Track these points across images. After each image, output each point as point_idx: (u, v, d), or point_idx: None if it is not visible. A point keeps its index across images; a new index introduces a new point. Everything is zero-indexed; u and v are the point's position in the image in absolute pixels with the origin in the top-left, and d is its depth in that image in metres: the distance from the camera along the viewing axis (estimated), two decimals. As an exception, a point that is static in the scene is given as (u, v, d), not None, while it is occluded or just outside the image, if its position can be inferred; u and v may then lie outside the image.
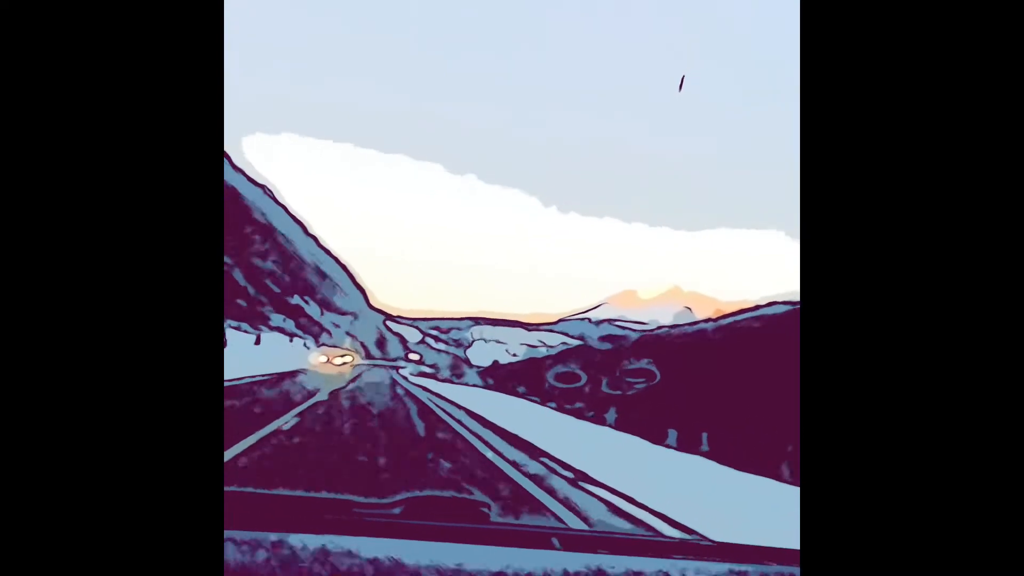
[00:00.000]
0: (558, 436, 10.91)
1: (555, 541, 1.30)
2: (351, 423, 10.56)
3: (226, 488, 1.01)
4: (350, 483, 5.82)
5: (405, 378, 32.32)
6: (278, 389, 15.71)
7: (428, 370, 49.36)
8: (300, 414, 10.58)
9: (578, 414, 17.92)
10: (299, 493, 1.42)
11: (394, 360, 75.39)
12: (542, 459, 8.61)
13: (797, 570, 1.20)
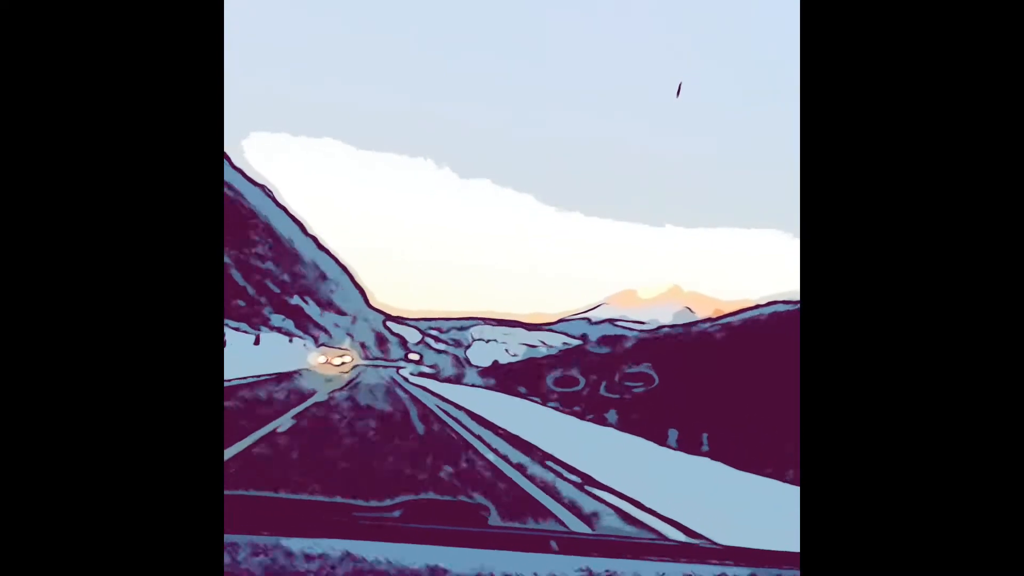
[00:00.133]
0: (558, 437, 10.91)
1: (553, 544, 1.30)
2: (350, 425, 10.55)
3: (225, 492, 1.01)
4: (349, 486, 5.81)
5: (405, 379, 32.32)
6: (276, 390, 15.69)
7: (428, 370, 49.36)
8: (297, 416, 10.56)
9: (578, 415, 17.92)
10: (298, 496, 1.42)
11: (394, 360, 75.38)
12: (542, 459, 8.60)
13: (797, 573, 1.20)
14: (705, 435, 12.68)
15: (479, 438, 10.36)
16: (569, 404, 19.93)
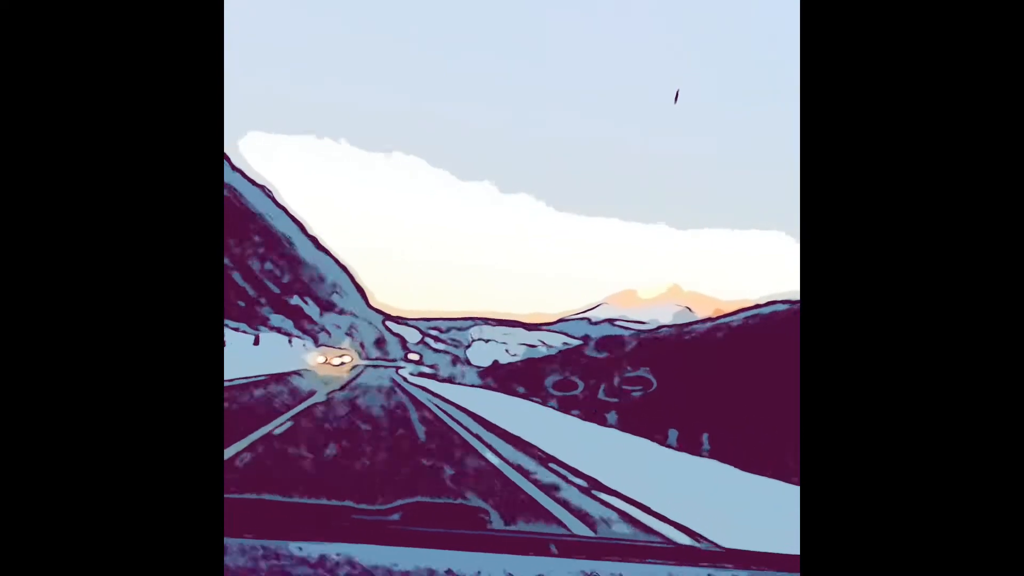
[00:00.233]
0: (558, 438, 10.91)
1: (552, 547, 1.30)
2: (348, 426, 10.53)
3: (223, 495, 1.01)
4: (348, 488, 5.80)
5: (405, 379, 32.30)
6: (275, 390, 15.68)
7: (428, 370, 49.34)
8: (295, 417, 10.54)
9: (578, 416, 17.90)
10: (296, 500, 1.41)
11: (393, 360, 75.35)
12: (541, 460, 8.60)
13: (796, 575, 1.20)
14: (705, 435, 12.69)
15: (479, 438, 10.35)
16: (567, 408, 19.93)
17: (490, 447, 9.40)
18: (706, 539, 4.68)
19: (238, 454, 6.64)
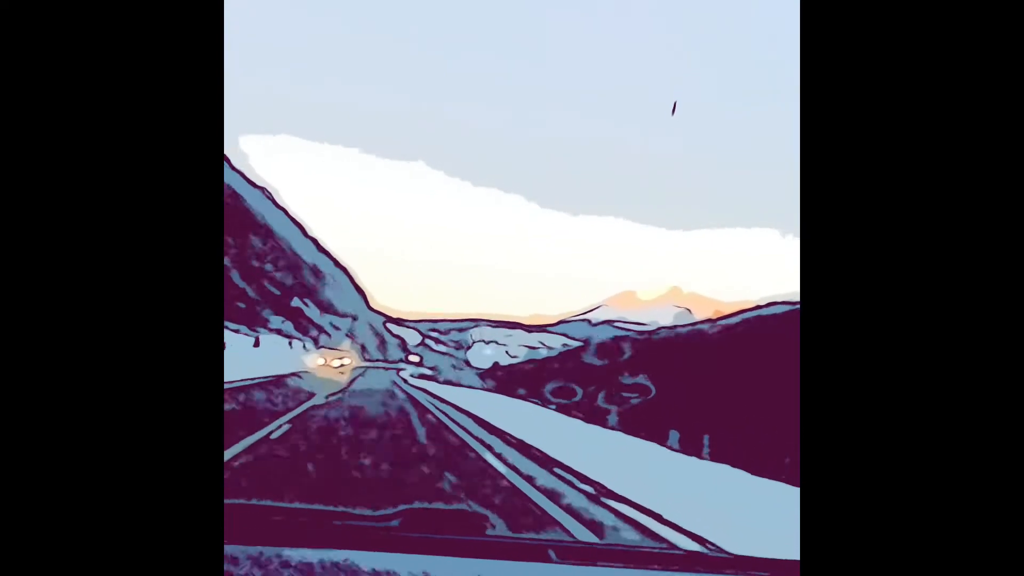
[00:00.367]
0: (558, 440, 10.90)
1: (552, 553, 1.29)
2: (348, 429, 10.50)
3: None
4: (347, 493, 5.78)
5: (405, 380, 32.28)
6: (273, 392, 15.65)
7: (428, 372, 49.32)
8: (293, 420, 10.50)
9: (580, 417, 17.89)
10: (295, 505, 1.41)
11: (394, 362, 75.32)
12: (541, 462, 8.59)
13: None
14: (706, 437, 12.68)
15: (480, 440, 10.34)
16: (566, 413, 19.93)
17: (492, 449, 9.38)
18: (708, 543, 4.67)
19: (235, 457, 6.62)
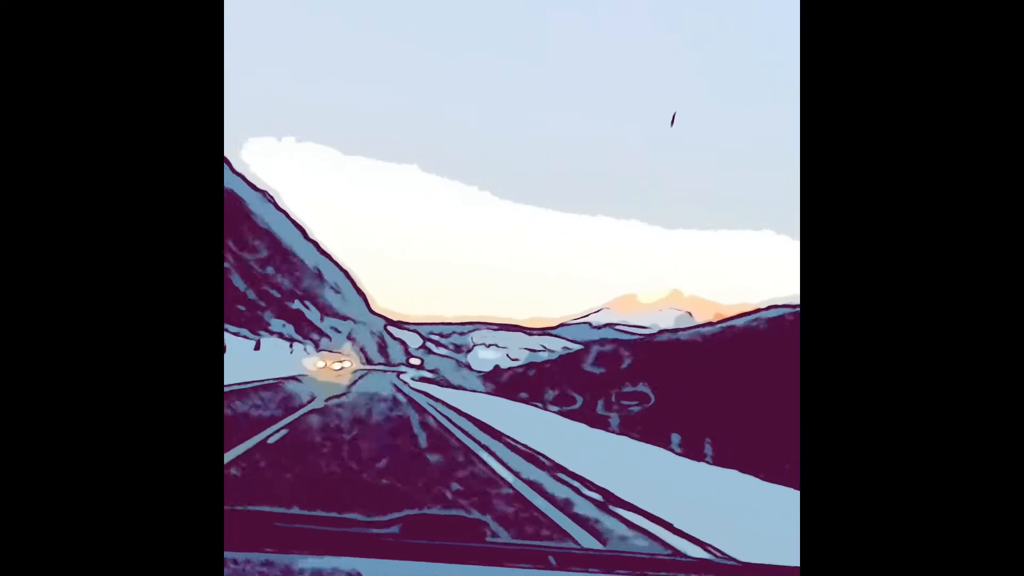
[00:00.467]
0: (558, 442, 10.90)
1: (551, 559, 1.29)
2: (347, 434, 10.48)
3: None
4: (347, 498, 5.77)
5: (406, 383, 32.29)
6: (273, 396, 15.63)
7: (429, 375, 49.36)
8: (291, 424, 10.47)
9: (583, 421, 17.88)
10: (293, 510, 1.40)
11: (395, 365, 75.39)
12: (541, 465, 8.59)
13: None
14: (707, 440, 12.68)
15: (482, 445, 10.33)
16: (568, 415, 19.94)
17: (494, 453, 9.37)
18: (710, 546, 4.66)
19: (234, 463, 6.61)
